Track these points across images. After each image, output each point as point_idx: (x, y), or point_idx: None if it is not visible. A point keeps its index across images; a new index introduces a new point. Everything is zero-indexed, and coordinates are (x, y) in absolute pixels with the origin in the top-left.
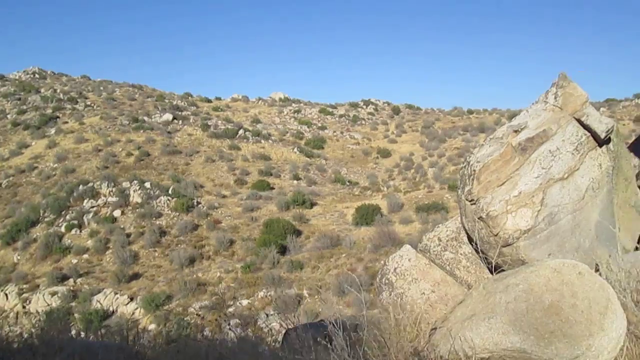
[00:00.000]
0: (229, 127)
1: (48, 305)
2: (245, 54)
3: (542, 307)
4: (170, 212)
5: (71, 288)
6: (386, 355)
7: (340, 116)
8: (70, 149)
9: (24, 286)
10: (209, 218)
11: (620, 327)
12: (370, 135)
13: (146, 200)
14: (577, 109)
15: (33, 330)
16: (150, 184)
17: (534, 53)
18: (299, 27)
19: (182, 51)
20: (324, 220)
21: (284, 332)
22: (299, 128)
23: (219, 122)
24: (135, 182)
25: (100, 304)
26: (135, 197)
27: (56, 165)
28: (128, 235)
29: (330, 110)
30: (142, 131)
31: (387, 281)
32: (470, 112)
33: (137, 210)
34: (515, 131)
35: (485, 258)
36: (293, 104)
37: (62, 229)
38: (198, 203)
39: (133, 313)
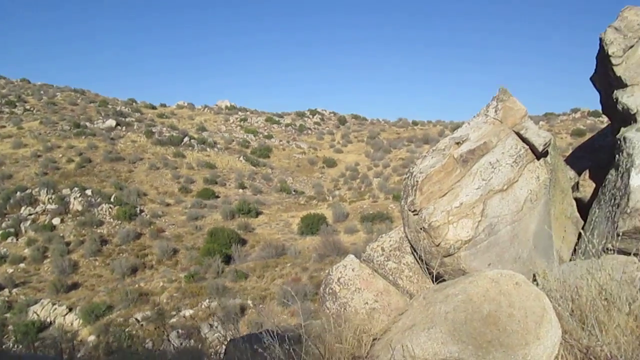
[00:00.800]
0: (174, 134)
1: None
2: (191, 61)
3: (481, 317)
4: (112, 220)
5: (6, 299)
6: None
7: (287, 125)
8: (7, 154)
9: None
10: (152, 227)
11: (555, 335)
12: (317, 145)
13: (87, 208)
14: (516, 123)
15: None
16: (92, 192)
17: (478, 65)
18: (245, 35)
19: (127, 56)
20: (270, 230)
21: (226, 343)
22: (245, 137)
23: (164, 129)
24: (76, 189)
25: (37, 315)
26: (76, 205)
27: None
28: (67, 244)
29: (277, 119)
30: (83, 137)
31: (330, 291)
32: (415, 123)
33: (78, 218)
34: (457, 143)
35: (428, 268)
36: (239, 112)
37: None
38: (141, 211)
39: (72, 324)
